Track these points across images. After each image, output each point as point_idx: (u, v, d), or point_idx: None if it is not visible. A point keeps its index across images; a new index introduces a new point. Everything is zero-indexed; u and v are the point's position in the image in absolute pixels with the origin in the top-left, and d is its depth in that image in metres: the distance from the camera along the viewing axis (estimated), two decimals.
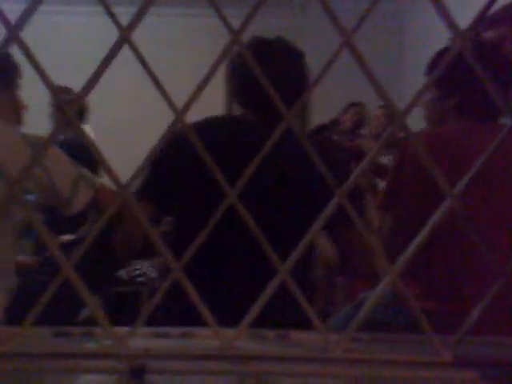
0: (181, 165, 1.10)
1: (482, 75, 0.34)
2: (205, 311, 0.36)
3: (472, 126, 1.21)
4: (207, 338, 0.40)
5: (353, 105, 4.04)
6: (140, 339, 0.41)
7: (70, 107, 0.34)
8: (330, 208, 0.35)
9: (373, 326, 1.42)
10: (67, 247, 1.45)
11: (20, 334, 0.43)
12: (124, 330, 0.37)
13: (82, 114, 2.97)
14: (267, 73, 1.11)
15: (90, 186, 1.17)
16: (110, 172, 0.34)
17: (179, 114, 0.33)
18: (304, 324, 0.61)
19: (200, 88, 0.33)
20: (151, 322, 0.43)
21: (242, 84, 1.18)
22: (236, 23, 0.33)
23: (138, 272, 1.78)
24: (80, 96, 0.33)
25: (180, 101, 0.31)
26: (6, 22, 0.31)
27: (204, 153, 0.34)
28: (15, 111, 1.27)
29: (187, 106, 0.33)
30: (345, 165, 1.35)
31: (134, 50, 0.33)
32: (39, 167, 1.09)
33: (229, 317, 0.75)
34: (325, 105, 4.52)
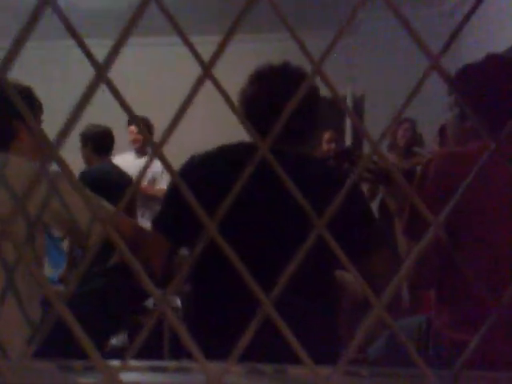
0: (200, 192, 1.12)
1: (463, 99, 0.33)
2: (191, 344, 0.35)
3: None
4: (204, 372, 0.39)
5: (403, 121, 3.90)
6: (136, 373, 0.41)
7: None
8: (310, 240, 0.34)
9: (401, 354, 1.37)
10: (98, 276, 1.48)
11: (23, 367, 0.44)
12: (117, 363, 0.37)
13: (107, 146, 3.02)
14: (270, 97, 1.11)
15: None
16: (90, 206, 0.34)
17: (156, 148, 0.34)
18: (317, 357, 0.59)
19: (175, 122, 0.34)
20: None
21: (246, 112, 1.21)
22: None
23: None
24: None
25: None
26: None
27: (182, 184, 0.34)
28: (38, 147, 1.33)
29: (163, 141, 0.34)
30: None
31: (112, 88, 0.34)
32: (57, 200, 1.12)
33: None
34: (376, 122, 4.46)
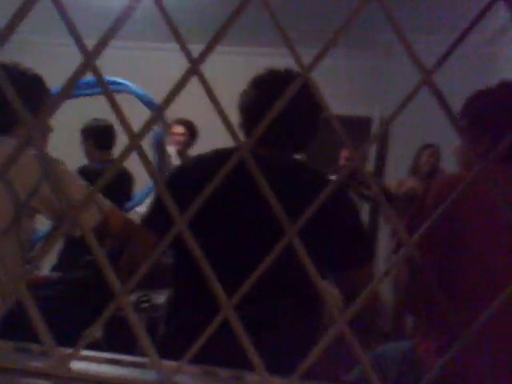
0: (182, 196, 1.12)
1: (453, 119, 0.33)
2: (145, 339, 0.35)
3: (503, 170, 1.16)
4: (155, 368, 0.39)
5: (427, 146, 3.89)
6: (90, 363, 0.40)
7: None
8: (279, 246, 0.34)
9: (383, 379, 1.36)
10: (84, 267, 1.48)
11: None
12: (67, 351, 0.37)
13: (109, 141, 3.00)
14: (269, 102, 1.09)
15: (99, 210, 1.19)
16: (65, 198, 0.34)
17: (135, 139, 0.34)
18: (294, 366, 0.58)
19: (155, 117, 0.33)
20: None
21: (245, 116, 1.21)
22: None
23: (144, 298, 1.77)
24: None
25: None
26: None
27: (157, 180, 0.33)
28: (41, 135, 1.32)
29: (143, 134, 0.34)
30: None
31: (97, 75, 0.33)
32: (47, 187, 1.11)
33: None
34: (401, 145, 4.45)
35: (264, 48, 4.79)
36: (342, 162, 4.11)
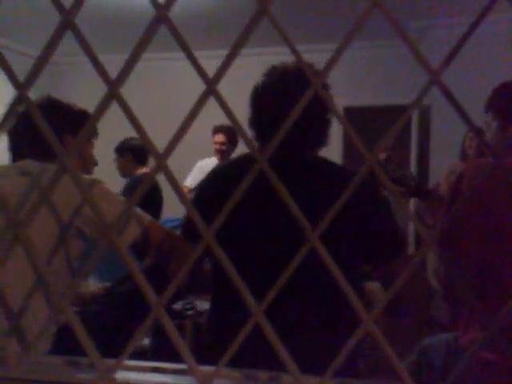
0: (216, 204, 1.14)
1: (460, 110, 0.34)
2: (182, 346, 0.37)
3: None
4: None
5: (469, 130, 3.83)
6: (134, 372, 0.42)
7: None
8: (303, 250, 0.35)
9: (430, 370, 1.35)
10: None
11: (34, 361, 0.47)
12: (112, 362, 0.39)
13: (146, 156, 3.18)
14: (282, 100, 1.10)
15: (138, 224, 1.23)
16: (95, 210, 0.36)
17: (161, 158, 0.36)
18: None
19: (180, 134, 0.35)
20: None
21: (251, 121, 1.23)
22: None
23: (189, 305, 1.81)
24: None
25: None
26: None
27: (182, 193, 0.35)
28: (84, 167, 1.39)
29: (168, 152, 0.36)
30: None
31: (122, 104, 0.36)
32: (87, 205, 1.16)
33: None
34: (443, 132, 4.38)
35: (277, 47, 4.78)
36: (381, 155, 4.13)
